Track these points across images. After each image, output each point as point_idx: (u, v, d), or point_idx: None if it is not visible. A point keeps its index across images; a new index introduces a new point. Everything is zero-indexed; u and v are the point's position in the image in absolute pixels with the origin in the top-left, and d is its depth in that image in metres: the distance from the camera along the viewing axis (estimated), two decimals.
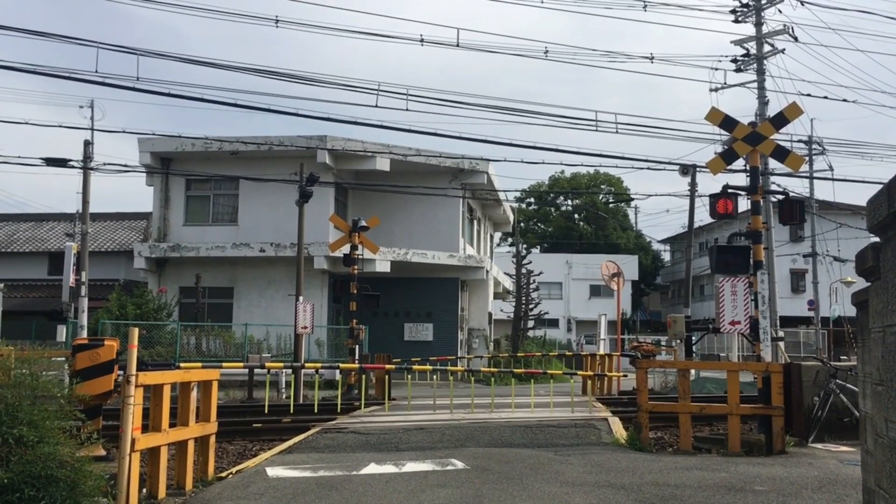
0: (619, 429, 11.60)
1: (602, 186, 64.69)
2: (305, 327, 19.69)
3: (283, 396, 18.84)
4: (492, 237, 40.77)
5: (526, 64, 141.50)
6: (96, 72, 14.02)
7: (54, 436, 5.70)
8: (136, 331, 6.55)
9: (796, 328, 40.62)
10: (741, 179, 23.46)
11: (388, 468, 8.33)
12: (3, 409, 5.59)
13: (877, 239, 3.57)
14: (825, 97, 23.27)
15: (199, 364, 15.04)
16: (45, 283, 31.43)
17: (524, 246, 47.11)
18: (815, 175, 32.45)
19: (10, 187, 76.12)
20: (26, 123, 18.88)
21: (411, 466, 8.44)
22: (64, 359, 10.66)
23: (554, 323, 52.81)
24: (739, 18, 25.85)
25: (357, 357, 20.23)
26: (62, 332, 22.36)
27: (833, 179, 44.30)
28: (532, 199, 67.37)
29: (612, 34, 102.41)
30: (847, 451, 9.66)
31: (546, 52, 18.38)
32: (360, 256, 20.70)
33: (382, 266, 25.93)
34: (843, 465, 8.65)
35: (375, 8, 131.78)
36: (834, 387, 10.62)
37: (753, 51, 25.58)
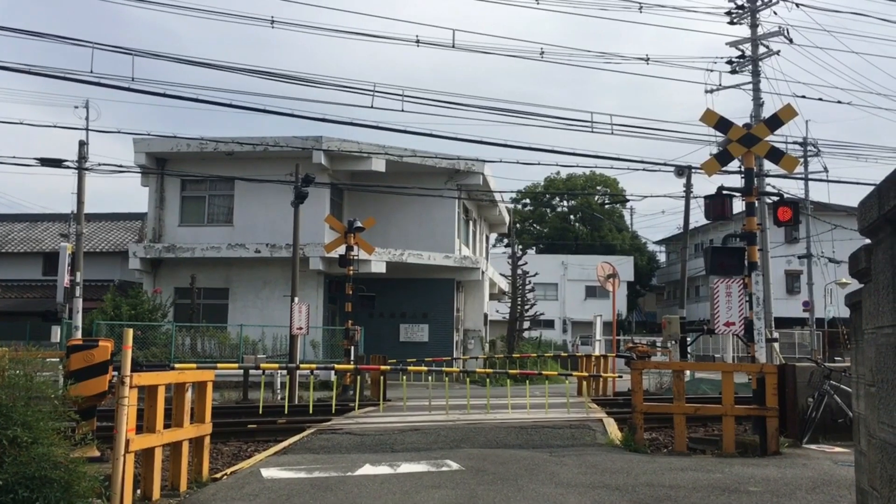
0: (614, 430, 11.61)
1: (598, 187, 64.79)
2: (301, 328, 19.67)
3: (279, 397, 18.83)
4: (487, 238, 40.79)
5: (519, 65, 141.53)
6: (91, 72, 13.96)
7: (48, 437, 5.69)
8: (130, 332, 6.54)
9: (791, 329, 40.74)
10: (736, 181, 23.50)
11: (383, 469, 8.33)
12: None
13: (869, 241, 3.58)
14: (820, 99, 23.31)
15: (194, 365, 15.06)
16: (40, 284, 31.37)
17: (520, 247, 47.13)
18: (809, 176, 32.53)
19: (4, 187, 76.12)
20: (21, 123, 18.88)
21: (406, 467, 8.44)
22: (58, 359, 10.64)
23: (549, 324, 52.89)
24: (735, 20, 25.89)
25: (352, 358, 20.22)
26: (57, 333, 22.30)
27: (828, 181, 44.48)
28: (528, 200, 67.46)
29: (606, 35, 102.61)
30: (841, 452, 9.68)
31: (542, 53, 18.40)
32: (356, 257, 20.69)
33: (378, 267, 25.93)
34: (837, 466, 8.67)
35: (370, 9, 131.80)
36: (828, 388, 10.64)
37: (748, 52, 25.63)
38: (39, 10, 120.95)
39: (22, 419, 5.61)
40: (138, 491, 6.77)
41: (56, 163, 20.28)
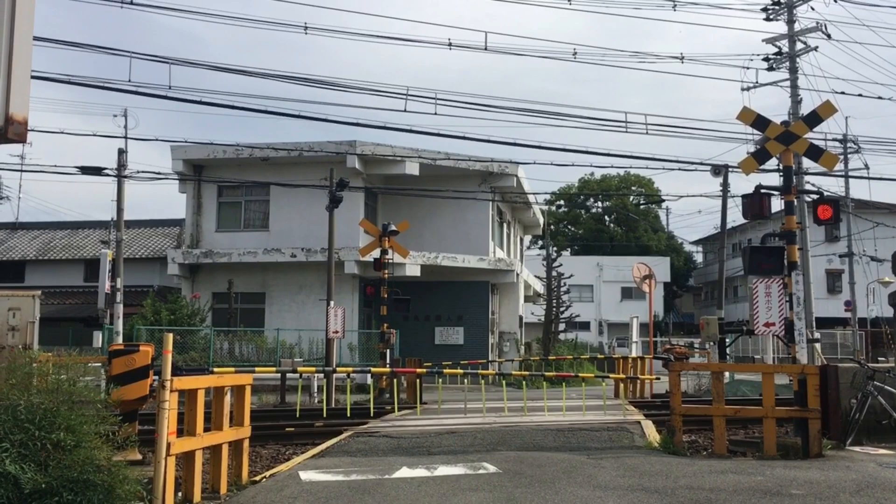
0: (652, 432, 11.50)
1: (632, 188, 64.32)
2: (337, 332, 19.78)
3: (315, 401, 18.93)
4: (522, 240, 40.68)
5: (547, 64, 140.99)
6: (129, 81, 14.21)
7: (91, 440, 5.79)
8: (170, 336, 6.62)
9: (833, 329, 40.02)
10: (774, 179, 23.20)
11: (420, 472, 8.34)
12: (42, 415, 5.69)
13: None
14: (860, 94, 22.99)
15: (233, 369, 15.19)
16: (82, 290, 31.94)
17: (554, 248, 46.92)
18: (850, 174, 31.99)
19: (46, 195, 77.65)
20: (61, 133, 19.35)
21: (443, 470, 8.43)
22: (100, 364, 10.83)
23: (585, 326, 52.58)
24: (771, 16, 25.56)
25: (388, 361, 20.28)
26: (98, 338, 22.70)
27: (869, 178, 43.66)
28: (562, 202, 67.14)
29: (635, 33, 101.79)
30: (886, 454, 9.50)
31: (575, 53, 18.30)
32: (391, 261, 20.77)
33: (413, 270, 25.99)
34: (881, 469, 8.50)
35: (400, 13, 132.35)
36: (872, 389, 10.44)
37: (786, 49, 25.28)
38: (69, 20, 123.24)
39: (65, 423, 5.71)
40: (179, 493, 6.85)
41: (96, 171, 20.62)
